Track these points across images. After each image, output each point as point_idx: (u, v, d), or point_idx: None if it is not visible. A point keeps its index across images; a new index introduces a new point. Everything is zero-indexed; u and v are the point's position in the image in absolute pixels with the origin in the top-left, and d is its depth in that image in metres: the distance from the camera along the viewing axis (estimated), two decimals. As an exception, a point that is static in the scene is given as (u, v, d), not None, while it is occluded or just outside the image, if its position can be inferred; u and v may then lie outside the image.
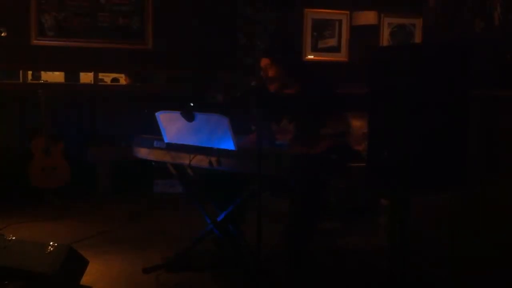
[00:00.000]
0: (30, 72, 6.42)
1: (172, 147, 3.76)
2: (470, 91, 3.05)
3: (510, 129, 3.51)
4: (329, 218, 4.97)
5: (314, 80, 4.06)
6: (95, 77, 6.63)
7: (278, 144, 3.84)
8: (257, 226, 3.19)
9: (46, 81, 6.31)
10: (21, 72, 6.39)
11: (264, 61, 3.93)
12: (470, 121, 3.04)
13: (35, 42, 6.37)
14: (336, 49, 7.34)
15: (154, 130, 3.83)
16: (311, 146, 3.62)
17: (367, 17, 7.26)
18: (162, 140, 3.81)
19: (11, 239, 3.58)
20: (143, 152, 4.03)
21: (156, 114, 3.73)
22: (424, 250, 3.95)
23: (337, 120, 3.79)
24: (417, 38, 7.44)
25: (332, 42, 7.33)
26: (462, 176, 3.05)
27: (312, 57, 7.20)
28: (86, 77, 6.61)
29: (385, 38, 7.42)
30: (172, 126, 3.72)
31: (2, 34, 5.58)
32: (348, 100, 4.22)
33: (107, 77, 6.69)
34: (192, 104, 3.56)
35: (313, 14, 7.23)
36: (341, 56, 7.33)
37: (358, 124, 4.77)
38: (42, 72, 6.43)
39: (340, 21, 7.32)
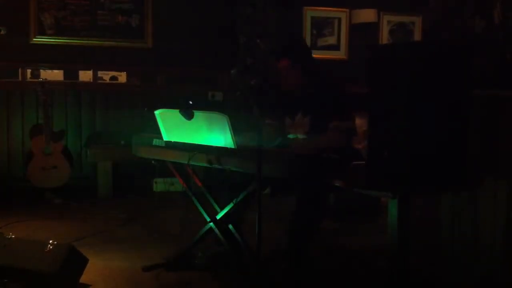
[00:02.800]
0: (29, 71, 6.41)
1: (172, 146, 3.76)
2: (470, 91, 3.05)
3: (510, 129, 3.50)
4: (329, 218, 4.96)
5: (328, 79, 4.09)
6: (94, 75, 6.63)
7: (291, 137, 3.87)
8: (257, 226, 3.18)
9: (46, 79, 6.30)
10: (20, 70, 6.38)
11: (282, 62, 3.94)
12: (470, 121, 3.04)
13: (34, 40, 6.37)
14: (335, 47, 7.34)
15: (154, 128, 3.82)
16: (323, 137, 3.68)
17: (367, 15, 7.25)
18: (161, 138, 3.81)
19: (11, 237, 3.58)
20: (142, 151, 4.03)
21: (155, 112, 3.73)
22: (424, 250, 3.96)
23: (346, 118, 3.82)
24: (417, 36, 7.44)
25: (331, 40, 7.33)
26: (462, 176, 3.05)
27: (311, 55, 7.19)
28: (85, 76, 6.61)
29: (384, 36, 7.42)
30: (172, 125, 3.72)
31: (1, 32, 5.58)
32: (357, 97, 4.24)
33: (106, 76, 6.68)
34: (191, 102, 3.56)
35: (312, 12, 7.23)
36: (341, 54, 7.33)
37: (358, 123, 4.77)
38: (42, 71, 6.42)
39: (339, 19, 7.32)
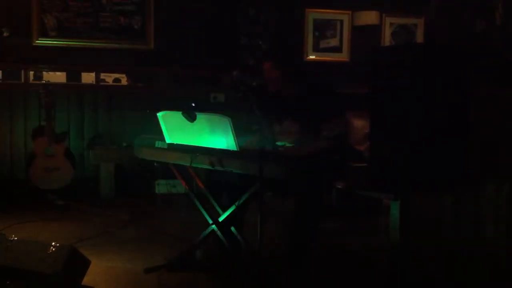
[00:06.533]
0: (32, 73, 6.42)
1: (174, 147, 3.77)
2: (471, 91, 3.05)
3: (510, 129, 3.51)
4: (330, 218, 4.96)
5: (314, 82, 4.08)
6: (97, 77, 6.64)
7: (280, 144, 3.85)
8: (259, 227, 3.19)
9: (48, 81, 6.31)
10: (23, 72, 6.39)
11: (266, 64, 3.96)
12: (470, 121, 3.04)
13: (37, 42, 6.38)
14: (337, 49, 7.34)
15: (156, 130, 3.83)
16: (312, 144, 3.66)
17: (369, 17, 7.26)
18: (163, 140, 3.81)
19: (13, 239, 3.58)
20: (145, 153, 4.04)
21: (158, 114, 3.73)
22: (424, 250, 3.95)
23: (335, 122, 3.80)
24: (419, 38, 7.44)
25: (333, 42, 7.34)
26: (463, 176, 3.05)
27: (313, 57, 7.21)
28: (88, 77, 6.62)
29: (386, 38, 7.42)
30: (174, 126, 3.73)
31: (4, 34, 5.60)
32: (350, 100, 4.23)
33: (109, 77, 6.69)
34: (193, 104, 3.56)
35: (314, 14, 7.23)
36: (343, 56, 7.33)
37: (359, 124, 4.77)
38: (44, 73, 6.44)
39: (341, 21, 7.32)
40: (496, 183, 3.46)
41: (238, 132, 3.41)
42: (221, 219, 3.86)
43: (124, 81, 6.72)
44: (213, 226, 3.88)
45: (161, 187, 6.31)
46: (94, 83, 6.63)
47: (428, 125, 2.93)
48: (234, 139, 3.39)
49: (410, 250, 3.15)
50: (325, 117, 3.76)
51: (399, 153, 2.90)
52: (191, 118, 3.53)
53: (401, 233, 3.03)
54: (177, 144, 3.75)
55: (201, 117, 3.52)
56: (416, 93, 2.92)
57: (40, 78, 6.42)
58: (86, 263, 3.63)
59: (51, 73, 6.46)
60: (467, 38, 6.07)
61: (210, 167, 3.57)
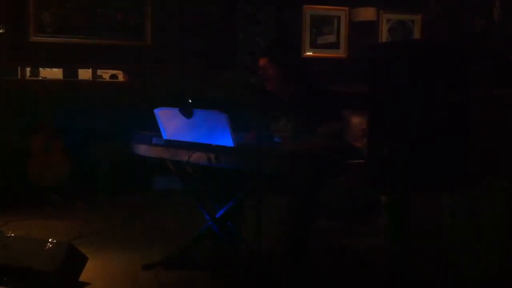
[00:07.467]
0: (28, 69, 6.39)
1: (171, 144, 3.75)
2: (470, 90, 3.04)
3: (510, 129, 3.51)
4: (329, 218, 4.95)
5: (313, 83, 4.06)
6: (94, 73, 6.62)
7: (277, 141, 3.85)
8: (257, 225, 3.18)
9: (45, 77, 6.29)
10: (19, 68, 6.37)
11: (262, 61, 3.93)
12: (470, 120, 3.03)
13: (33, 38, 6.35)
14: (335, 45, 7.34)
15: (153, 127, 3.82)
16: (312, 142, 3.64)
17: (366, 13, 7.26)
18: (161, 137, 3.81)
19: (10, 236, 3.58)
20: (142, 149, 4.02)
21: (155, 110, 3.72)
22: (424, 250, 3.95)
23: (334, 121, 3.79)
24: (416, 35, 7.44)
25: (331, 38, 7.33)
26: (463, 175, 3.05)
27: (311, 53, 7.20)
28: (84, 74, 6.60)
29: (384, 35, 7.42)
30: (171, 123, 3.72)
31: (1, 31, 5.58)
32: (348, 97, 4.22)
33: (105, 74, 6.67)
34: (190, 101, 3.56)
35: (312, 10, 7.22)
36: (340, 53, 7.33)
37: (357, 121, 4.76)
38: (41, 69, 6.41)
39: (339, 18, 7.32)
40: (496, 183, 3.45)
41: (235, 130, 3.40)
42: (218, 215, 3.85)
43: (121, 77, 6.70)
44: (211, 223, 3.88)
45: (159, 183, 6.31)
46: (91, 79, 6.61)
47: (427, 125, 2.92)
48: (231, 135, 3.38)
49: (410, 250, 3.14)
50: (324, 118, 3.74)
51: (397, 152, 2.90)
52: (188, 114, 3.52)
53: (400, 233, 3.03)
54: (174, 141, 3.74)
55: (198, 113, 3.51)
56: (415, 91, 2.91)
57: (37, 74, 6.39)
58: (83, 260, 3.63)
59: (47, 69, 6.43)
60: (466, 38, 6.06)
61: (207, 163, 3.57)
